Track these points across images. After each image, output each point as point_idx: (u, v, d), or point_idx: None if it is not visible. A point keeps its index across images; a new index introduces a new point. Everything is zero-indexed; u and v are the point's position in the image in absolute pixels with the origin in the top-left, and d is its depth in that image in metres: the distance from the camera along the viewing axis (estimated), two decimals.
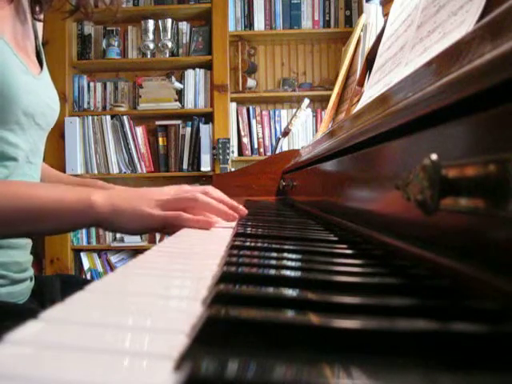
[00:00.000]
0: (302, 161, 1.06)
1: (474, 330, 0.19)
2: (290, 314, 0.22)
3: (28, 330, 0.19)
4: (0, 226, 0.57)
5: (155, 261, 0.40)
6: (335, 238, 0.52)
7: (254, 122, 2.81)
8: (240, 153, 2.80)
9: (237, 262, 0.35)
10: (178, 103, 2.74)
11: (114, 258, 2.74)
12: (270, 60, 2.92)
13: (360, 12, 2.68)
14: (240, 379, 0.15)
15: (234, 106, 2.80)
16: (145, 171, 2.75)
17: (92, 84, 2.82)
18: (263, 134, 2.80)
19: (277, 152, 2.02)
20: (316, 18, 2.79)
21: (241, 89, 2.80)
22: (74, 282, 0.84)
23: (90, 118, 2.73)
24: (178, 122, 2.78)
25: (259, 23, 2.80)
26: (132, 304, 0.25)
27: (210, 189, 0.70)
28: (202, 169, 2.67)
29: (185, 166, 2.75)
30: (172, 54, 2.80)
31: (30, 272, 0.77)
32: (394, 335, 0.19)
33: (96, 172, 2.72)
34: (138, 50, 2.83)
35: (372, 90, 0.72)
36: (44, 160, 0.83)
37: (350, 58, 1.17)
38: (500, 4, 0.28)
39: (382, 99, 0.49)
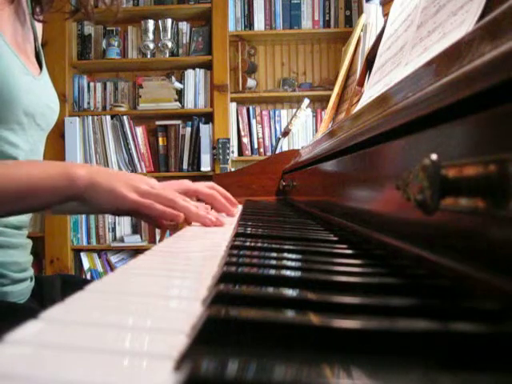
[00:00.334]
0: (301, 161, 1.06)
1: (474, 330, 0.19)
2: (290, 314, 0.22)
3: (28, 330, 0.19)
4: None
5: (155, 261, 0.40)
6: (335, 238, 0.52)
7: (253, 121, 2.81)
8: (240, 153, 2.80)
9: (237, 262, 0.35)
10: (177, 103, 2.74)
11: (114, 258, 2.74)
12: (270, 60, 2.92)
13: (360, 12, 2.68)
14: (240, 379, 0.15)
15: (233, 106, 2.80)
16: (145, 171, 2.75)
17: (92, 84, 2.82)
18: (263, 134, 2.80)
19: (277, 152, 2.02)
20: (316, 18, 2.79)
21: (241, 89, 2.80)
22: (74, 282, 0.84)
23: (90, 118, 2.73)
24: (178, 122, 2.78)
25: (259, 23, 2.80)
26: (132, 304, 0.25)
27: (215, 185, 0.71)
28: (202, 169, 2.67)
29: (185, 166, 2.75)
30: (172, 54, 2.80)
31: (30, 272, 0.77)
32: (394, 335, 0.19)
33: None
34: (138, 50, 2.83)
35: (372, 90, 0.72)
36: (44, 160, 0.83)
37: (350, 58, 1.17)
38: (500, 4, 0.28)
39: (382, 99, 0.49)
